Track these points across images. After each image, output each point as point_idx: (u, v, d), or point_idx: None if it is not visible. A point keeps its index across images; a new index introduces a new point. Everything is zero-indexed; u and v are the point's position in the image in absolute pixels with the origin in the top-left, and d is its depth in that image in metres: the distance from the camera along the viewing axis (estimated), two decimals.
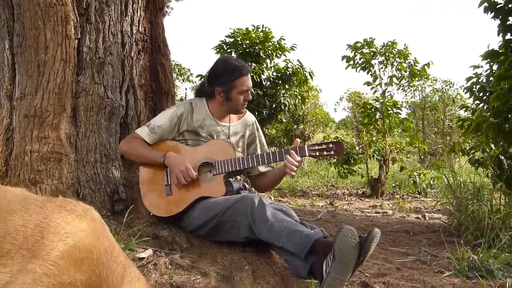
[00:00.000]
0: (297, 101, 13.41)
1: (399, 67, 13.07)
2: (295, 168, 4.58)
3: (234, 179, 4.94)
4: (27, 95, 4.57)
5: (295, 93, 13.31)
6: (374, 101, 13.03)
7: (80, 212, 2.27)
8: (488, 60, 6.95)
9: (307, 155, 4.67)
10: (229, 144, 4.78)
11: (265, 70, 12.80)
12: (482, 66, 7.56)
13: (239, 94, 4.78)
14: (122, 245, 3.93)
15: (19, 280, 1.99)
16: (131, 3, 5.29)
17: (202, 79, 11.60)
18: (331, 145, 4.69)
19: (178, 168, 4.56)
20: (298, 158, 4.58)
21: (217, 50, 13.05)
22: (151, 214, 4.72)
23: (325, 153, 4.69)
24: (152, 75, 5.52)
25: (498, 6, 6.23)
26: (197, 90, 5.26)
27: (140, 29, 5.37)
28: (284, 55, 13.16)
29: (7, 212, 2.16)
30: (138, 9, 5.38)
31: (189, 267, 3.98)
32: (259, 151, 5.14)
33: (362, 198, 12.12)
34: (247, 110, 5.17)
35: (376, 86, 13.40)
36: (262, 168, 5.03)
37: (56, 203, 2.28)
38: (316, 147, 4.71)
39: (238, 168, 4.61)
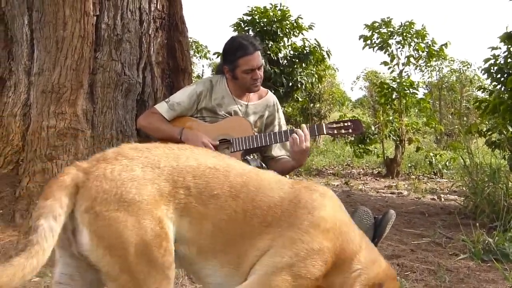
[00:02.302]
0: (313, 79, 13.40)
1: (417, 47, 12.99)
2: (304, 142, 4.50)
3: (251, 157, 4.93)
4: (45, 71, 4.59)
5: (312, 71, 13.29)
6: (391, 81, 12.97)
7: (321, 191, 2.71)
8: (506, 41, 6.91)
9: (325, 133, 4.66)
10: (247, 121, 4.76)
11: (282, 49, 12.78)
12: (500, 48, 7.51)
13: (244, 73, 4.69)
14: None
15: (279, 243, 2.49)
16: None
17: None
18: (349, 123, 4.67)
19: (195, 144, 4.54)
20: (305, 132, 4.53)
21: (235, 27, 13.04)
22: None
23: (343, 131, 4.67)
24: (169, 52, 5.51)
25: None
26: (218, 67, 5.25)
27: (158, 7, 5.36)
28: (302, 33, 13.14)
29: (268, 190, 2.61)
30: None
31: None
32: None
33: (378, 178, 12.11)
34: (268, 90, 5.14)
35: (393, 66, 13.34)
36: (277, 152, 4.97)
37: (302, 184, 2.75)
38: (334, 125, 4.69)
39: (255, 146, 4.59)
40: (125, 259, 2.33)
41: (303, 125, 4.54)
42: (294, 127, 5.08)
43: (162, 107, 4.71)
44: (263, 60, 4.84)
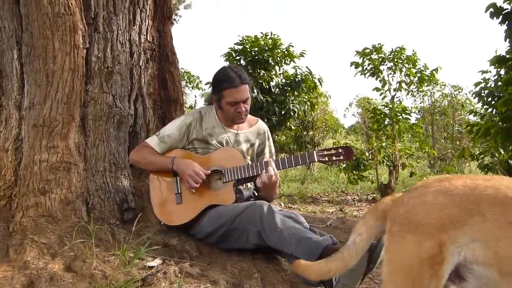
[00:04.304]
0: (306, 107, 13.48)
1: (408, 73, 13.05)
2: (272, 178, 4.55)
3: (244, 187, 4.92)
4: (36, 105, 4.59)
5: (304, 99, 13.36)
6: (383, 106, 12.99)
7: None
8: (496, 65, 6.95)
9: (316, 160, 4.66)
10: (239, 151, 4.76)
11: (274, 77, 12.88)
12: (490, 71, 7.57)
13: (228, 105, 4.72)
14: (131, 253, 3.93)
15: None
16: (139, 12, 5.32)
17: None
18: (340, 150, 4.67)
19: (186, 172, 4.56)
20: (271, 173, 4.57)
21: (226, 57, 13.11)
22: (162, 223, 4.71)
23: (334, 158, 4.67)
24: (160, 83, 5.53)
25: (504, 12, 6.23)
26: (209, 96, 5.26)
27: (148, 38, 5.39)
28: (293, 61, 13.23)
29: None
30: (146, 18, 5.39)
31: (198, 276, 3.97)
32: None
33: (372, 204, 12.06)
34: (259, 119, 5.16)
35: (385, 91, 13.39)
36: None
37: None
38: (325, 153, 4.69)
39: (247, 176, 4.59)
40: (399, 272, 2.62)
41: (270, 159, 4.60)
42: (287, 155, 5.07)
43: (152, 141, 4.73)
44: (253, 93, 4.85)
